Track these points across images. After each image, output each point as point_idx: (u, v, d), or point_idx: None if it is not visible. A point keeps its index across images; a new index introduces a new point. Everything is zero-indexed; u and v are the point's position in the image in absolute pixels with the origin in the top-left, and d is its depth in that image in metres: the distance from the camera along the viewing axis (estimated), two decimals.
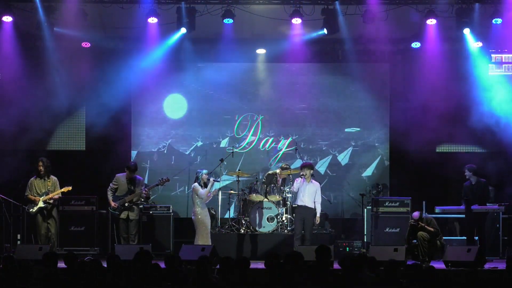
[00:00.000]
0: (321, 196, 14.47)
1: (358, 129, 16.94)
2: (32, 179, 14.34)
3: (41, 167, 14.25)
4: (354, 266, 8.54)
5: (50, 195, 14.19)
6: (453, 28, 15.42)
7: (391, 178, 16.89)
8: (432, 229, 13.71)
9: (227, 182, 16.36)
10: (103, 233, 15.33)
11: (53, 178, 14.39)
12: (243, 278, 8.11)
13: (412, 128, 16.47)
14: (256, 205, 15.10)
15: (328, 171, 16.98)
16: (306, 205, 14.26)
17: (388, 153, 16.96)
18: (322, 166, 16.98)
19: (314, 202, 14.26)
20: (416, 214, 13.89)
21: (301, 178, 14.36)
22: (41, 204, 14.15)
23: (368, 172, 16.90)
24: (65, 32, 15.55)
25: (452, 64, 16.07)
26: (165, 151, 16.96)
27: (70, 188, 14.36)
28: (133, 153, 16.83)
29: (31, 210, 14.17)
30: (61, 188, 14.35)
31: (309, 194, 14.22)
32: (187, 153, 17.01)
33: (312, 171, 14.42)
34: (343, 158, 17.01)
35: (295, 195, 14.53)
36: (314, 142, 17.03)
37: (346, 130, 16.93)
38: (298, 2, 15.08)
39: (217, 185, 14.46)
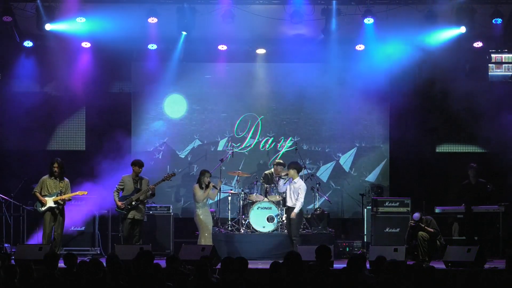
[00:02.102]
0: (304, 196, 14.28)
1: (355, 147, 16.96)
2: (45, 177, 14.23)
3: (56, 168, 14.19)
4: (354, 266, 8.55)
5: (63, 196, 14.13)
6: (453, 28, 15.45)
7: (391, 178, 16.88)
8: (432, 230, 13.73)
9: (224, 196, 16.24)
10: (103, 233, 15.33)
11: (66, 180, 14.33)
12: (242, 278, 8.10)
13: (412, 128, 16.48)
14: (256, 205, 15.10)
15: (332, 183, 16.89)
16: (289, 205, 14.22)
17: (388, 153, 16.95)
18: (325, 173, 16.92)
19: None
20: (416, 215, 13.91)
21: (284, 178, 14.38)
22: (51, 204, 14.09)
23: (372, 177, 16.82)
24: (65, 32, 15.56)
25: (452, 64, 16.06)
26: (160, 157, 16.86)
27: (86, 192, 14.34)
28: (133, 154, 16.80)
29: (39, 208, 14.12)
30: (73, 191, 14.31)
31: (292, 194, 14.13)
32: (183, 156, 16.97)
33: (296, 170, 14.18)
34: (346, 160, 16.95)
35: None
36: (315, 144, 17.01)
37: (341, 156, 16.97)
38: (298, 2, 15.06)
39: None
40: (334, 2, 14.95)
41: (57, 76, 16.27)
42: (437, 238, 13.82)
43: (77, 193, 14.27)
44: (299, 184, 14.13)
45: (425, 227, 13.77)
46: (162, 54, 16.43)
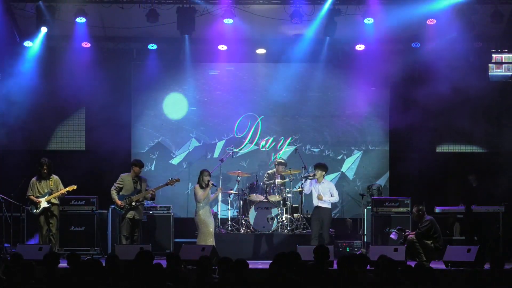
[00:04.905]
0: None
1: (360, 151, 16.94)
2: (33, 179, 14.24)
3: (45, 169, 14.15)
4: (353, 266, 8.55)
5: (54, 194, 14.13)
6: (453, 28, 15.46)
7: (391, 178, 16.88)
8: (413, 233, 13.65)
9: (224, 196, 16.21)
10: (103, 233, 15.33)
11: (55, 177, 14.32)
12: (241, 280, 8.10)
13: (412, 128, 16.48)
14: (256, 205, 15.09)
15: (338, 202, 16.82)
16: (320, 205, 14.37)
17: (388, 153, 16.95)
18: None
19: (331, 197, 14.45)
20: (392, 236, 13.92)
21: (311, 179, 14.45)
22: (44, 204, 14.08)
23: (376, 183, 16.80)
24: (65, 32, 15.57)
25: (451, 63, 16.07)
26: (152, 168, 16.76)
27: (75, 187, 14.30)
28: (132, 154, 16.79)
29: (34, 211, 14.11)
30: (65, 187, 14.30)
31: (322, 195, 14.31)
32: (176, 163, 16.92)
33: (324, 172, 14.49)
34: (350, 165, 16.91)
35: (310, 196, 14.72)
36: (316, 144, 16.98)
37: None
38: (298, 2, 15.06)
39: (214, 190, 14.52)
40: (329, 1, 14.98)
41: (57, 76, 16.26)
42: (429, 240, 13.64)
43: (67, 189, 14.23)
44: (329, 184, 14.63)
45: (407, 234, 13.68)
46: (162, 54, 16.44)
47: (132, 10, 15.16)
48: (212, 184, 14.40)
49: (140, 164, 14.37)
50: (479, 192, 15.32)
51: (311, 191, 14.61)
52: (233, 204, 16.45)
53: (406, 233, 13.72)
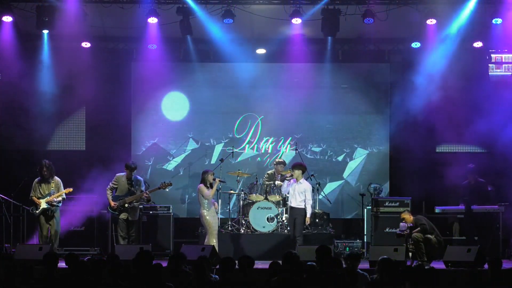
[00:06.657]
0: (312, 196, 14.46)
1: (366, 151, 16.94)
2: (36, 180, 14.28)
3: (45, 171, 14.16)
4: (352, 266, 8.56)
5: (53, 197, 14.14)
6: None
7: (391, 178, 16.88)
8: (418, 228, 13.60)
9: (225, 196, 16.19)
10: (103, 233, 15.32)
11: (57, 179, 14.33)
12: (246, 277, 8.11)
13: (412, 128, 16.48)
14: (256, 205, 15.09)
15: (342, 212, 16.82)
16: (292, 205, 14.25)
17: (388, 153, 16.94)
18: (331, 193, 16.73)
19: (305, 202, 14.23)
20: (403, 225, 13.85)
21: (290, 179, 14.40)
22: (44, 206, 14.12)
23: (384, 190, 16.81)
24: (65, 32, 15.56)
25: (451, 64, 16.07)
26: (148, 176, 16.66)
27: (71, 189, 14.33)
28: (132, 154, 16.79)
29: (34, 211, 14.15)
30: (65, 188, 14.31)
31: (297, 194, 14.19)
32: (171, 169, 16.92)
33: (301, 171, 14.31)
34: (352, 171, 16.92)
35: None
36: (318, 143, 16.97)
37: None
38: (298, 2, 15.07)
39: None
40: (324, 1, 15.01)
41: (57, 76, 16.26)
42: (431, 234, 13.60)
43: (64, 191, 14.25)
44: (305, 185, 14.27)
45: (412, 232, 13.63)
46: (162, 54, 16.43)
47: (132, 10, 15.16)
48: (220, 180, 14.37)
49: (131, 168, 14.38)
50: (476, 191, 15.31)
51: (289, 191, 14.43)
52: (231, 214, 16.34)
53: (410, 232, 13.68)
